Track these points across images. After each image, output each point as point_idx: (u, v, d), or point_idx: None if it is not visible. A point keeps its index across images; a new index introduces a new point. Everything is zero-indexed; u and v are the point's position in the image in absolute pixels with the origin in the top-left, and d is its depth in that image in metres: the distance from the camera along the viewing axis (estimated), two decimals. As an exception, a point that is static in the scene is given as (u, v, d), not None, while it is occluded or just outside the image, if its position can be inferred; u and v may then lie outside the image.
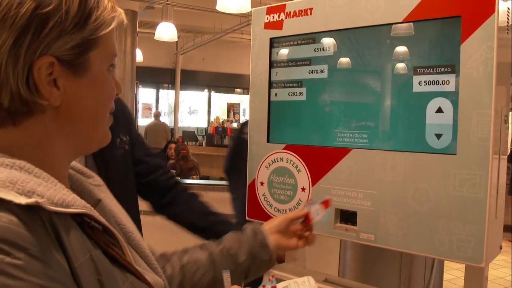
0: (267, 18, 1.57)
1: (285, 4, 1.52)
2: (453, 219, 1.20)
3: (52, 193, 0.65)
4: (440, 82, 1.23)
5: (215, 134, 12.91)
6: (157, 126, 12.20)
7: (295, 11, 1.49)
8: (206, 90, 16.48)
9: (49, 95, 0.69)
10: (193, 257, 1.13)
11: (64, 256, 0.63)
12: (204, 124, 15.84)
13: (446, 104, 1.22)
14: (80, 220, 0.69)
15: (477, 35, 1.15)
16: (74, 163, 0.88)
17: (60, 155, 0.74)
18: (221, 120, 13.85)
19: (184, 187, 1.75)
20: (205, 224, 1.64)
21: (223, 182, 6.05)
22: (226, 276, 0.91)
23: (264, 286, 0.93)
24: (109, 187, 1.35)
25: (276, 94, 1.57)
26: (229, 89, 16.27)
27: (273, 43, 1.56)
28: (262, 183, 1.60)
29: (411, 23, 1.26)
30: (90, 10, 0.71)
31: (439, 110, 1.23)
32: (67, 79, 0.70)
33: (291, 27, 1.51)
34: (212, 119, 15.27)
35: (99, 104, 0.77)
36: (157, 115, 12.76)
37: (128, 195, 1.52)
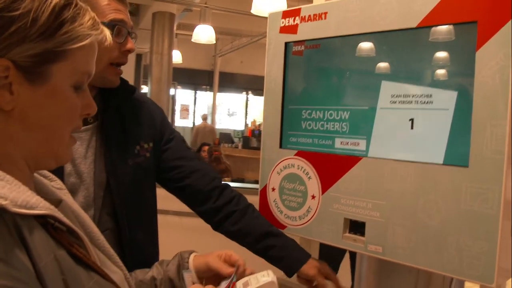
0: (283, 22, 1.54)
1: (300, 8, 1.49)
2: (463, 234, 1.14)
3: (15, 195, 0.65)
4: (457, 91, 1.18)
5: (251, 137, 12.92)
6: (205, 128, 12.51)
7: (309, 16, 1.46)
8: (244, 93, 16.55)
9: (0, 98, 0.68)
10: (141, 276, 1.10)
11: (28, 256, 0.63)
12: (241, 127, 15.90)
13: (458, 114, 1.17)
14: (44, 221, 0.69)
15: (493, 42, 1.10)
16: None
17: (17, 159, 0.74)
18: (257, 123, 13.86)
19: (232, 196, 1.57)
20: (259, 247, 1.51)
21: (253, 185, 6.04)
22: (187, 276, 0.90)
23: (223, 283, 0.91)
24: (119, 194, 1.35)
25: (290, 99, 1.54)
26: (267, 92, 16.25)
27: (288, 47, 1.54)
28: (273, 189, 1.58)
29: (436, 27, 1.21)
30: (62, 22, 0.71)
31: (452, 120, 1.18)
32: (23, 85, 0.69)
33: (305, 31, 1.48)
34: (249, 121, 15.31)
35: (54, 118, 0.74)
36: (205, 117, 13.09)
37: (143, 205, 1.49)
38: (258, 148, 11.84)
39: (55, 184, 0.91)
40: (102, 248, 0.90)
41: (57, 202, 0.82)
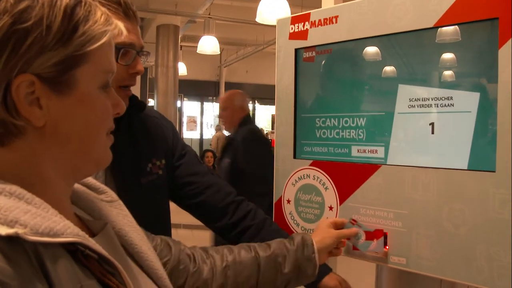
0: (292, 28, 1.49)
1: (309, 13, 1.44)
2: (493, 244, 1.08)
3: (38, 221, 0.60)
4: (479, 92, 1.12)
5: (259, 146, 12.89)
6: (221, 138, 12.72)
7: (320, 20, 1.41)
8: (250, 102, 16.54)
9: (30, 115, 0.64)
10: (239, 258, 1.14)
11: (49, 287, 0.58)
12: (249, 136, 15.87)
13: (482, 116, 1.11)
14: (74, 248, 0.64)
15: (516, 40, 1.04)
16: (86, 178, 0.83)
17: (53, 177, 0.69)
18: (265, 132, 13.83)
19: (248, 210, 1.51)
20: None
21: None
22: None
23: None
24: (131, 213, 1.29)
25: (302, 107, 1.49)
26: (274, 101, 16.24)
27: (298, 54, 1.49)
28: (288, 201, 1.52)
29: (453, 27, 1.16)
30: (76, 24, 0.66)
31: (476, 123, 1.12)
32: (51, 98, 0.65)
33: (316, 36, 1.43)
34: (256, 131, 15.28)
35: (89, 124, 0.70)
36: (219, 128, 13.25)
37: (157, 224, 1.43)
38: (266, 157, 11.87)
39: (105, 197, 0.85)
40: (151, 270, 0.84)
41: (102, 226, 0.77)
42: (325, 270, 1.42)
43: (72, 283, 0.61)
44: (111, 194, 0.88)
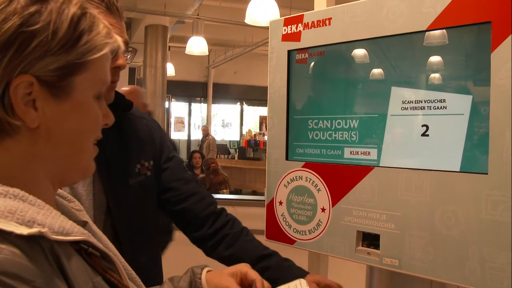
0: (285, 29, 1.50)
1: (303, 15, 1.44)
2: (485, 245, 1.09)
3: (51, 221, 0.63)
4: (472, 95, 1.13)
5: (247, 147, 12.87)
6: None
7: (313, 22, 1.42)
8: (238, 103, 16.55)
9: (24, 116, 0.65)
10: None
11: (67, 285, 0.62)
12: (236, 137, 15.87)
13: (474, 118, 1.12)
14: (78, 247, 0.68)
15: (509, 42, 1.05)
16: None
17: (42, 180, 0.71)
18: (253, 133, 13.82)
19: (227, 220, 1.50)
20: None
21: (255, 197, 5.97)
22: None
23: None
24: (120, 216, 1.28)
25: (295, 109, 1.49)
26: (262, 102, 16.28)
27: (291, 55, 1.49)
28: (280, 203, 1.52)
29: (443, 31, 1.17)
30: (81, 33, 0.69)
31: (468, 125, 1.13)
32: (47, 101, 0.67)
33: (309, 38, 1.43)
34: (244, 132, 15.28)
35: (81, 131, 0.73)
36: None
37: (147, 226, 1.42)
38: (254, 159, 11.85)
39: (74, 206, 0.87)
40: (126, 270, 0.87)
41: (82, 224, 0.80)
42: (300, 275, 1.40)
43: (85, 280, 0.66)
44: (78, 204, 0.90)
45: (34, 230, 0.59)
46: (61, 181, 0.75)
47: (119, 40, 0.77)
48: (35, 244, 0.60)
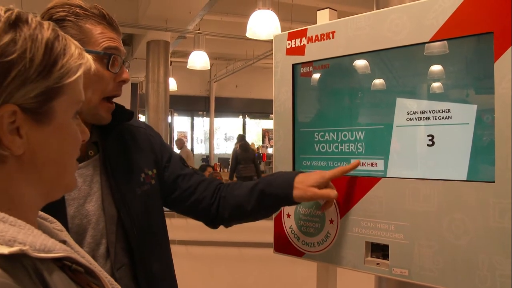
0: (289, 43, 1.51)
1: (306, 29, 1.46)
2: (495, 253, 1.09)
3: (32, 239, 0.63)
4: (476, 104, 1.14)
5: (250, 160, 12.84)
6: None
7: (317, 36, 1.44)
8: (240, 117, 16.58)
9: (10, 144, 0.66)
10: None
11: None
12: (239, 150, 15.84)
13: (479, 127, 1.13)
14: (61, 264, 0.68)
15: (511, 52, 1.07)
16: None
17: (28, 201, 0.72)
18: (256, 146, 13.82)
19: (220, 184, 1.52)
20: (254, 204, 1.41)
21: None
22: None
23: None
24: (131, 226, 1.29)
25: (300, 122, 1.50)
26: (264, 115, 16.33)
27: (296, 69, 1.51)
28: (288, 215, 1.53)
29: (445, 42, 1.18)
30: (56, 57, 0.69)
31: (474, 134, 1.14)
32: (31, 127, 0.68)
33: (313, 52, 1.45)
34: (247, 145, 15.26)
35: (64, 152, 0.74)
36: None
37: (156, 235, 1.43)
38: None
39: (56, 226, 0.88)
40: (112, 285, 0.87)
41: (62, 243, 0.80)
42: (288, 179, 1.38)
43: None
44: (59, 224, 0.90)
45: (15, 248, 0.59)
46: (45, 199, 0.76)
47: (90, 59, 0.78)
48: (17, 263, 0.60)
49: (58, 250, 0.66)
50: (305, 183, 1.33)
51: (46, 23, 0.71)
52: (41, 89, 0.67)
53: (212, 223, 1.51)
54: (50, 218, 0.89)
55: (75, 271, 0.70)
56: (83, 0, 1.25)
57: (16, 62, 0.64)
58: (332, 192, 1.32)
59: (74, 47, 0.74)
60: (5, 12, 0.66)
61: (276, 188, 1.37)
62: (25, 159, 0.68)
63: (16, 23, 0.66)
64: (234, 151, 10.72)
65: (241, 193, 1.44)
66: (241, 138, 10.83)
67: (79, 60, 0.73)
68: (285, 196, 1.35)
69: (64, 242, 0.82)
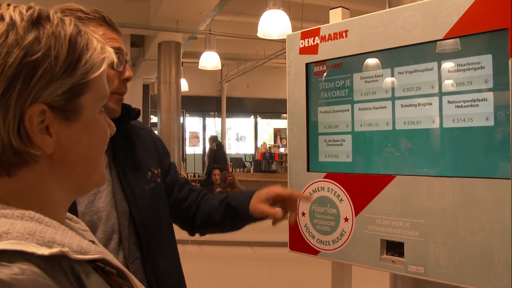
0: (302, 43, 1.52)
1: (319, 28, 1.47)
2: (511, 249, 1.09)
3: (69, 240, 0.63)
4: (491, 101, 1.14)
5: (262, 160, 12.85)
6: None
7: (330, 35, 1.44)
8: (252, 116, 16.57)
9: (42, 144, 0.66)
10: None
11: None
12: (251, 150, 15.87)
13: (496, 123, 1.13)
14: (94, 266, 0.68)
15: (526, 49, 1.07)
16: None
17: (58, 200, 0.72)
18: (268, 146, 13.81)
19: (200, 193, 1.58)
20: (222, 215, 1.49)
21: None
22: None
23: None
24: (141, 222, 1.32)
25: (315, 121, 1.51)
26: (275, 115, 16.30)
27: (309, 68, 1.51)
28: (303, 214, 1.54)
29: (457, 39, 1.19)
30: (80, 53, 0.69)
31: (489, 131, 1.14)
32: (60, 125, 0.67)
33: (326, 51, 1.46)
34: (259, 145, 15.27)
35: (93, 147, 0.74)
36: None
37: (163, 232, 1.46)
38: (269, 171, 11.81)
39: (81, 226, 0.88)
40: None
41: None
42: (246, 196, 1.44)
43: None
44: (84, 225, 0.90)
45: (55, 250, 0.59)
46: (75, 195, 0.77)
47: (112, 52, 0.77)
48: (55, 264, 0.60)
49: (94, 252, 0.66)
50: (258, 198, 1.38)
51: (67, 19, 0.70)
52: (68, 86, 0.67)
53: (191, 230, 1.58)
54: (75, 218, 0.89)
55: (108, 273, 0.70)
56: (92, 3, 1.28)
57: (42, 61, 0.64)
58: (278, 213, 1.34)
59: (96, 41, 0.73)
60: (27, 11, 0.66)
61: (238, 202, 1.43)
62: (56, 157, 0.68)
63: (38, 20, 0.65)
64: (211, 150, 11.41)
65: (213, 203, 1.50)
66: (215, 138, 11.81)
67: (102, 54, 0.73)
68: (243, 209, 1.40)
69: (92, 242, 0.83)
